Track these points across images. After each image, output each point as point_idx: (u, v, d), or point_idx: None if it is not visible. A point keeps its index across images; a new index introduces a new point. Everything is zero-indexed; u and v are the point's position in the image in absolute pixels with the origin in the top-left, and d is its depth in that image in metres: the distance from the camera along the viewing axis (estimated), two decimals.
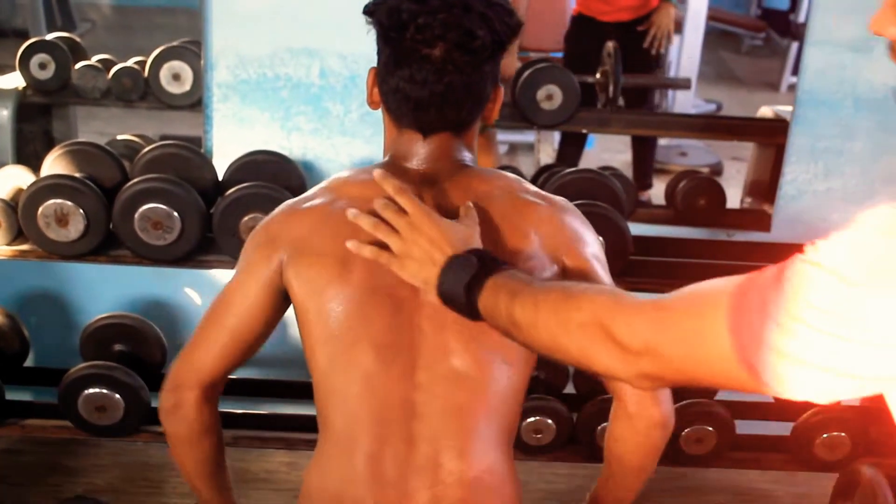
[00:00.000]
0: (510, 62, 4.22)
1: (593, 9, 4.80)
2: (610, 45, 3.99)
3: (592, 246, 1.74)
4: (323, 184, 1.76)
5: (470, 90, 1.67)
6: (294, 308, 1.69)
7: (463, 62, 1.63)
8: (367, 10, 1.67)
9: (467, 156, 1.75)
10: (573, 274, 1.69)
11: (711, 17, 6.48)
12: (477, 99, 1.70)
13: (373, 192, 1.67)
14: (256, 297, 1.69)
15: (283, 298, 1.70)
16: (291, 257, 1.66)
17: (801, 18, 7.02)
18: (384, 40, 1.67)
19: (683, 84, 5.79)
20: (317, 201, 1.71)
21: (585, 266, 1.70)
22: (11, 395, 3.06)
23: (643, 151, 5.09)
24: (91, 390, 2.91)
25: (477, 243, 1.56)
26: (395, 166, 1.72)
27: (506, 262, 1.53)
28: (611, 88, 3.85)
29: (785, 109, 3.48)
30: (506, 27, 1.66)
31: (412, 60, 1.63)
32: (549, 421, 3.00)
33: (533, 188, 1.77)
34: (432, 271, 1.53)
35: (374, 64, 1.72)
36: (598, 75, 4.03)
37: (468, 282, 1.48)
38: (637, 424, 1.70)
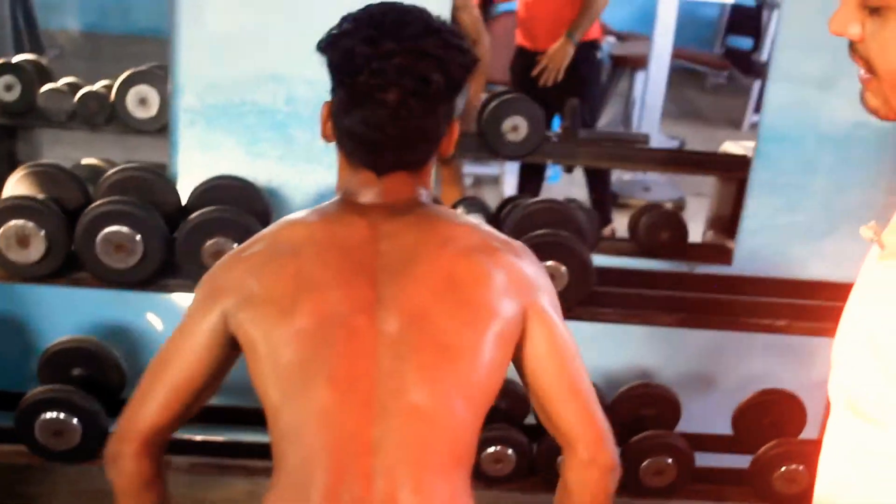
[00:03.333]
0: (476, 91, 4.24)
1: (529, 40, 4.86)
2: (572, 102, 4.00)
3: (549, 293, 1.75)
4: (265, 230, 1.75)
5: (425, 133, 1.66)
6: (244, 352, 1.66)
7: (418, 107, 1.62)
8: (321, 48, 1.65)
9: (423, 192, 1.74)
10: (534, 321, 1.68)
11: (676, 56, 6.50)
12: (432, 140, 1.69)
13: (325, 230, 1.69)
14: (200, 351, 1.67)
15: (230, 347, 1.67)
16: (237, 304, 1.64)
17: (764, 57, 7.07)
18: (338, 82, 1.66)
19: (642, 140, 5.83)
20: (257, 247, 1.69)
21: (544, 315, 1.70)
22: None
23: (598, 187, 5.10)
24: (48, 415, 2.87)
25: None
26: (348, 203, 1.71)
27: None
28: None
29: (748, 145, 3.49)
30: (461, 69, 1.65)
31: (366, 104, 1.61)
32: (510, 451, 2.98)
33: (492, 231, 1.76)
34: None
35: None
36: (559, 130, 4.07)
37: None
38: (591, 472, 1.70)
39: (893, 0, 1.06)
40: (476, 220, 1.84)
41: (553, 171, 5.78)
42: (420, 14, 1.66)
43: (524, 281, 1.70)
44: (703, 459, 3.10)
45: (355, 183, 1.71)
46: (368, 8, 1.66)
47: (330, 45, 1.64)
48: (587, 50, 4.81)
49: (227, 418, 3.28)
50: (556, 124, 4.23)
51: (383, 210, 1.69)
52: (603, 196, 5.10)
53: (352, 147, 1.68)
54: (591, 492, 1.71)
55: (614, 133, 5.45)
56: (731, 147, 3.80)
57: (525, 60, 4.82)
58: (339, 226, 1.69)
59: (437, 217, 1.73)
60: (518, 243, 1.78)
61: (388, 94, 1.60)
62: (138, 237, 2.68)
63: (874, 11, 1.08)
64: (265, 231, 1.74)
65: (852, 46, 1.14)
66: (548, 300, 1.73)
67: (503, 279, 1.67)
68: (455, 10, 3.48)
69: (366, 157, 1.67)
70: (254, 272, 1.65)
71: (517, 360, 1.72)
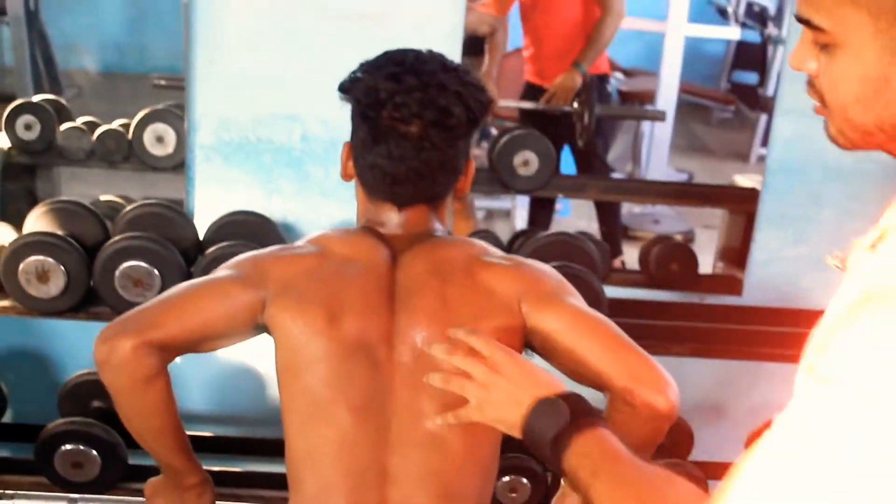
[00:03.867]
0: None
1: (538, 75, 4.88)
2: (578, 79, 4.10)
3: (554, 285, 1.74)
4: (308, 237, 1.77)
5: (445, 166, 1.70)
6: (277, 351, 1.68)
7: (439, 139, 1.66)
8: (343, 88, 1.70)
9: (438, 227, 1.77)
10: (532, 314, 1.68)
11: (683, 91, 6.52)
12: (451, 173, 1.73)
13: (356, 253, 1.70)
14: (229, 313, 1.68)
15: (251, 329, 1.70)
16: (278, 297, 1.66)
17: (770, 92, 7.09)
18: (361, 117, 1.70)
19: (660, 116, 5.87)
20: (308, 250, 1.73)
21: (546, 302, 1.70)
22: None
23: (607, 220, 5.10)
24: (68, 446, 2.87)
25: (563, 386, 1.44)
26: (370, 231, 1.74)
27: (593, 410, 1.40)
28: (585, 118, 3.91)
29: (759, 179, 3.50)
30: (479, 104, 1.69)
31: (390, 137, 1.65)
32: (525, 480, 2.97)
33: (497, 251, 1.79)
34: (517, 413, 1.42)
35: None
36: (574, 104, 4.10)
37: (556, 435, 1.36)
38: (642, 413, 1.61)
39: (839, 37, 1.08)
40: (476, 240, 1.85)
41: (563, 205, 5.80)
42: (437, 56, 1.72)
43: (516, 287, 1.71)
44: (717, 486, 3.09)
45: (376, 214, 1.74)
46: (386, 53, 1.72)
47: (353, 84, 1.68)
48: (597, 83, 4.80)
49: (242, 449, 3.28)
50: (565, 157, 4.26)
51: (403, 240, 1.72)
52: (613, 228, 5.10)
53: (374, 182, 1.72)
54: (638, 434, 1.59)
55: (629, 110, 5.49)
56: (742, 181, 3.81)
57: (534, 95, 4.85)
58: (369, 252, 1.71)
59: (440, 244, 1.75)
60: (517, 257, 1.80)
61: (412, 126, 1.64)
62: (156, 272, 2.70)
63: (824, 48, 1.11)
64: (313, 236, 1.76)
65: (810, 81, 1.16)
66: (549, 289, 1.73)
67: (505, 289, 1.70)
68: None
69: (388, 190, 1.71)
70: (306, 275, 1.68)
71: (549, 357, 1.71)
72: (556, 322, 1.69)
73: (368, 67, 1.70)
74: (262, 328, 1.71)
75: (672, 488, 1.28)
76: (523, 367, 1.45)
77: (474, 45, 5.59)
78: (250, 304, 1.67)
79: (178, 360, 3.35)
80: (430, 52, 1.73)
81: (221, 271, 1.74)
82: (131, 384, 1.67)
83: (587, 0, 4.62)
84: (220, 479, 3.12)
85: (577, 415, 1.36)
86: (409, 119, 1.64)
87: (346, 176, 1.77)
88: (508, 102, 4.92)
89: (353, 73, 1.71)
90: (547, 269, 1.79)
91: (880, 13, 1.04)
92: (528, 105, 4.75)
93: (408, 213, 1.73)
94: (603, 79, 4.94)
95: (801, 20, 1.12)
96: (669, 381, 1.62)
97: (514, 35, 5.02)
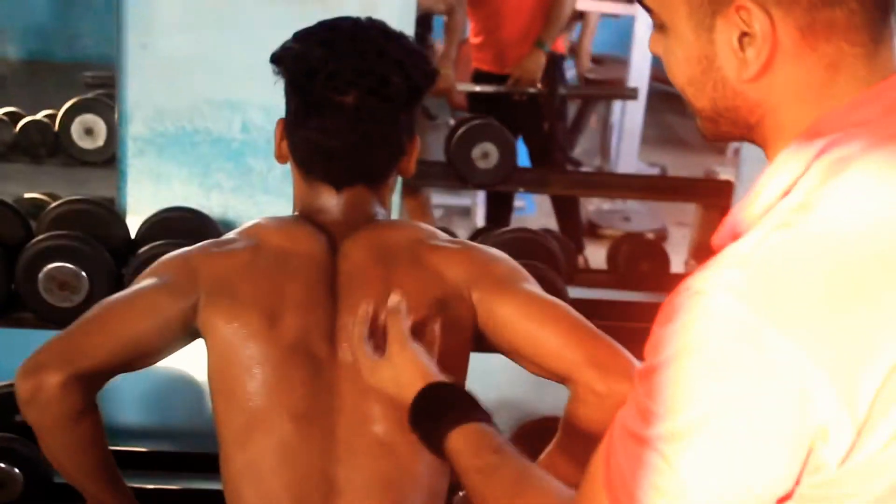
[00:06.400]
0: (447, 76, 4.35)
1: (495, 63, 4.89)
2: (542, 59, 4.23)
3: (503, 267, 1.73)
4: (241, 228, 1.75)
5: (386, 139, 1.68)
6: (210, 357, 1.65)
7: (378, 110, 1.63)
8: (274, 58, 1.67)
9: (380, 211, 1.74)
10: (482, 302, 1.68)
11: (655, 79, 6.56)
12: (393, 149, 1.71)
13: (293, 244, 1.68)
14: (160, 323, 1.65)
15: (186, 336, 1.67)
16: (211, 299, 1.64)
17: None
18: (293, 89, 1.67)
19: (631, 94, 5.91)
20: (239, 245, 1.69)
21: (498, 291, 1.68)
22: None
23: (566, 215, 5.11)
24: None
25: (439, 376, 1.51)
26: (306, 221, 1.71)
27: (477, 404, 1.49)
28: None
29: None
30: (422, 73, 1.67)
31: (323, 109, 1.63)
32: None
33: (444, 235, 1.77)
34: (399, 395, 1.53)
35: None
36: (539, 86, 4.14)
37: (432, 428, 1.47)
38: (608, 402, 1.55)
39: (667, 17, 1.12)
40: (422, 224, 1.84)
41: (528, 203, 5.82)
42: (378, 23, 1.69)
43: (463, 273, 1.69)
44: None
45: (313, 199, 1.72)
46: (323, 21, 1.70)
47: (284, 53, 1.66)
48: (550, 66, 4.82)
49: (177, 465, 3.28)
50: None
51: (342, 226, 1.70)
52: (573, 224, 5.12)
53: (309, 159, 1.69)
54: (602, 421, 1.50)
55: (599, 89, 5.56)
56: (724, 173, 3.84)
57: (484, 82, 4.87)
58: (307, 242, 1.68)
59: (381, 229, 1.73)
60: (463, 241, 1.81)
61: (346, 96, 1.61)
62: (83, 274, 2.67)
63: (660, 29, 1.15)
64: (246, 227, 1.74)
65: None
66: (502, 275, 1.71)
67: (454, 274, 1.68)
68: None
69: (324, 167, 1.69)
70: (239, 273, 1.65)
71: (505, 348, 1.70)
72: (511, 309, 1.67)
73: (301, 34, 1.67)
74: (196, 334, 1.68)
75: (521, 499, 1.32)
76: (407, 355, 1.51)
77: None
78: (181, 312, 1.64)
79: None
80: (371, 20, 1.70)
81: (147, 279, 1.69)
82: (60, 422, 1.63)
83: None
84: (156, 497, 3.12)
85: (453, 406, 1.47)
86: (343, 88, 1.61)
87: (280, 157, 1.73)
88: (469, 86, 4.92)
89: (286, 42, 1.68)
90: (499, 253, 1.77)
91: None
92: (490, 89, 4.75)
93: (346, 196, 1.70)
94: (560, 60, 5.00)
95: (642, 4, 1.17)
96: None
97: None
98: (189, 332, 1.67)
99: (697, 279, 1.02)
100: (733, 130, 1.18)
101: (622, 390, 1.52)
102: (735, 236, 1.09)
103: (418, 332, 1.60)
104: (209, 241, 1.73)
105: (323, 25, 1.68)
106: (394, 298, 1.52)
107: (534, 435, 3.16)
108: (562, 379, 1.64)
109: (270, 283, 1.64)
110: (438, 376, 1.49)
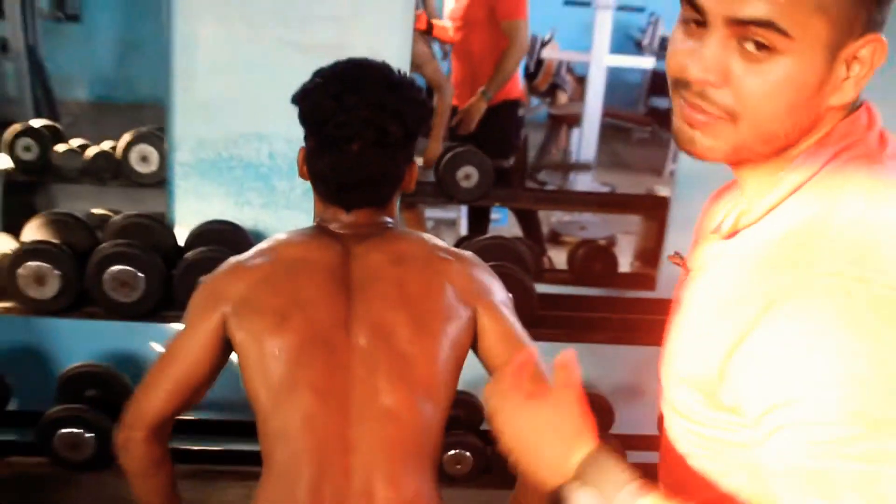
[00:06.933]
0: (435, 147, 4.23)
1: (457, 99, 4.72)
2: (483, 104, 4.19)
3: (499, 294, 1.73)
4: (262, 244, 1.72)
5: (386, 175, 1.66)
6: (237, 356, 1.64)
7: (379, 155, 1.62)
8: (295, 100, 1.65)
9: (389, 220, 1.73)
10: (484, 317, 1.67)
11: (606, 114, 6.55)
12: (393, 181, 1.69)
13: (307, 252, 1.66)
14: (200, 350, 1.64)
15: (225, 348, 1.65)
16: (234, 311, 1.62)
17: None
18: (309, 131, 1.66)
19: (584, 167, 5.89)
20: (259, 261, 1.67)
21: (495, 312, 1.68)
22: None
23: (529, 225, 5.08)
24: (66, 430, 2.84)
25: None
26: (324, 229, 1.71)
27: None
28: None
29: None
30: (417, 120, 1.65)
31: (333, 151, 1.62)
32: (467, 453, 2.97)
33: (445, 245, 1.75)
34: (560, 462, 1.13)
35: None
36: (512, 161, 4.11)
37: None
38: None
39: (797, 43, 0.97)
40: (429, 235, 1.82)
41: (501, 215, 5.80)
42: (382, 70, 1.66)
43: (472, 285, 1.69)
44: (634, 457, 3.09)
45: (329, 215, 1.71)
46: (337, 64, 1.66)
47: (301, 98, 1.64)
48: (508, 107, 4.71)
49: (221, 430, 3.26)
50: None
51: (354, 236, 1.69)
52: (536, 233, 5.09)
53: (324, 188, 1.69)
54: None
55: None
56: (662, 191, 3.82)
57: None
58: (322, 249, 1.67)
59: (395, 237, 1.71)
60: (467, 253, 1.77)
61: (352, 144, 1.60)
62: (140, 275, 2.67)
63: (755, 55, 0.99)
64: (264, 246, 1.71)
65: (702, 93, 1.03)
66: (497, 298, 1.71)
67: (451, 289, 1.67)
68: (416, 66, 3.47)
69: (335, 195, 1.68)
70: (256, 285, 1.63)
71: (478, 352, 1.71)
72: (498, 331, 1.69)
73: (317, 81, 1.65)
74: (230, 345, 1.66)
75: None
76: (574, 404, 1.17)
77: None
78: (214, 326, 1.63)
79: (162, 351, 3.33)
80: (378, 66, 1.67)
81: (185, 317, 1.70)
82: (141, 469, 1.72)
83: (498, 33, 4.57)
84: (204, 457, 3.12)
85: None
86: (349, 137, 1.60)
87: (302, 176, 1.73)
88: None
89: (305, 84, 1.66)
90: (496, 279, 1.76)
91: (840, 25, 0.96)
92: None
93: (356, 214, 1.69)
94: (515, 104, 4.81)
95: (757, 22, 0.95)
96: None
97: None
98: (224, 345, 1.65)
99: None
100: (771, 153, 1.05)
101: None
102: None
103: (434, 329, 1.63)
104: (234, 260, 1.71)
105: (335, 74, 1.64)
106: (566, 354, 1.21)
107: None
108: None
109: (284, 289, 1.63)
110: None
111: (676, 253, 1.33)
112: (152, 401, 1.67)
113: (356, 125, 1.59)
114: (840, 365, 0.91)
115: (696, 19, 1.00)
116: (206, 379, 1.68)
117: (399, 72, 1.68)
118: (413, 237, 1.75)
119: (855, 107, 1.06)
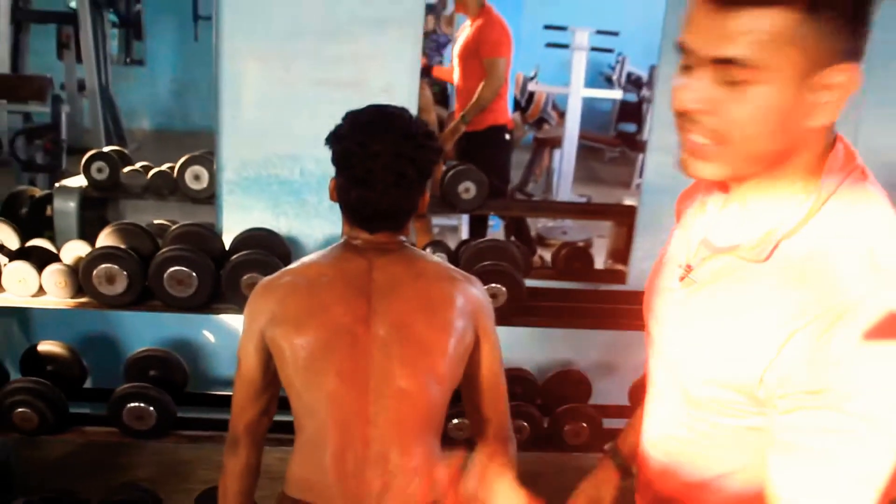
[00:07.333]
0: (437, 167, 4.24)
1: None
2: (461, 128, 4.17)
3: (491, 315, 1.76)
4: (291, 266, 1.75)
5: (403, 208, 1.67)
6: (273, 356, 1.67)
7: (397, 194, 1.63)
8: (328, 141, 1.65)
9: (404, 238, 1.75)
10: (479, 334, 1.71)
11: (582, 136, 6.57)
12: (410, 210, 1.70)
13: (330, 268, 1.69)
14: (256, 365, 1.69)
15: (269, 354, 1.69)
16: (268, 323, 1.65)
17: (645, 137, 7.17)
18: (338, 170, 1.66)
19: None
20: (284, 280, 1.70)
21: (488, 334, 1.73)
22: (74, 409, 2.97)
23: (517, 230, 5.08)
24: (132, 404, 2.84)
25: None
26: (350, 245, 1.72)
27: None
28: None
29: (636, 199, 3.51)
30: (430, 163, 1.66)
31: (359, 188, 1.62)
32: (525, 423, 2.99)
33: (455, 267, 1.77)
34: None
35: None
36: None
37: None
38: (501, 443, 1.77)
39: (770, 72, 0.95)
40: (440, 258, 1.86)
41: (496, 222, 5.82)
42: (401, 119, 1.65)
43: (476, 304, 1.71)
44: (609, 423, 3.11)
45: (354, 233, 1.72)
46: (364, 111, 1.66)
47: (333, 142, 1.65)
48: (495, 132, 4.70)
49: None
50: None
51: (375, 250, 1.70)
52: (525, 237, 5.10)
53: (351, 215, 1.69)
54: (500, 456, 1.65)
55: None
56: (629, 201, 3.83)
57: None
58: (343, 261, 1.69)
59: (415, 256, 1.73)
60: (472, 276, 1.79)
61: (376, 184, 1.61)
62: (194, 275, 2.67)
63: (735, 85, 0.98)
64: (291, 267, 1.73)
65: (693, 120, 1.02)
66: (490, 322, 1.74)
67: (461, 301, 1.69)
68: (419, 109, 3.49)
69: (360, 221, 1.69)
70: (281, 300, 1.66)
71: (468, 364, 1.73)
72: (486, 350, 1.74)
73: (346, 128, 1.64)
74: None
75: None
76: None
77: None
78: (257, 338, 1.67)
79: (212, 338, 3.33)
80: (399, 115, 1.65)
81: (240, 335, 1.74)
82: (239, 470, 1.77)
83: (482, 68, 4.59)
84: None
85: None
86: (372, 183, 1.61)
87: (332, 199, 1.73)
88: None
89: (338, 126, 1.65)
90: (486, 294, 1.78)
91: (813, 56, 0.94)
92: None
93: (378, 235, 1.70)
94: (502, 129, 4.76)
95: (734, 60, 0.95)
96: (509, 422, 1.80)
97: None
98: (269, 351, 1.69)
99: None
100: (760, 169, 1.03)
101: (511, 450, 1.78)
102: None
103: (446, 325, 1.65)
104: (265, 280, 1.73)
105: (361, 123, 1.63)
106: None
107: None
108: (474, 416, 1.81)
109: (306, 297, 1.65)
110: None
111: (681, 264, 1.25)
112: (240, 416, 1.74)
113: (378, 171, 1.60)
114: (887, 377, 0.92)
115: (689, 64, 1.01)
116: (270, 381, 1.72)
117: (415, 120, 1.67)
118: (428, 258, 1.77)
119: (831, 140, 1.04)
